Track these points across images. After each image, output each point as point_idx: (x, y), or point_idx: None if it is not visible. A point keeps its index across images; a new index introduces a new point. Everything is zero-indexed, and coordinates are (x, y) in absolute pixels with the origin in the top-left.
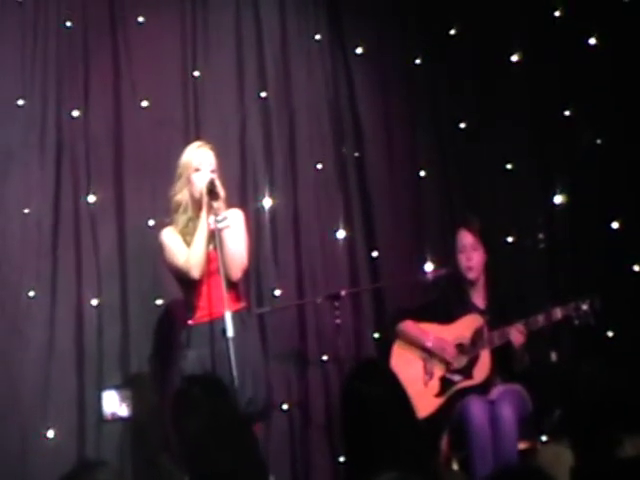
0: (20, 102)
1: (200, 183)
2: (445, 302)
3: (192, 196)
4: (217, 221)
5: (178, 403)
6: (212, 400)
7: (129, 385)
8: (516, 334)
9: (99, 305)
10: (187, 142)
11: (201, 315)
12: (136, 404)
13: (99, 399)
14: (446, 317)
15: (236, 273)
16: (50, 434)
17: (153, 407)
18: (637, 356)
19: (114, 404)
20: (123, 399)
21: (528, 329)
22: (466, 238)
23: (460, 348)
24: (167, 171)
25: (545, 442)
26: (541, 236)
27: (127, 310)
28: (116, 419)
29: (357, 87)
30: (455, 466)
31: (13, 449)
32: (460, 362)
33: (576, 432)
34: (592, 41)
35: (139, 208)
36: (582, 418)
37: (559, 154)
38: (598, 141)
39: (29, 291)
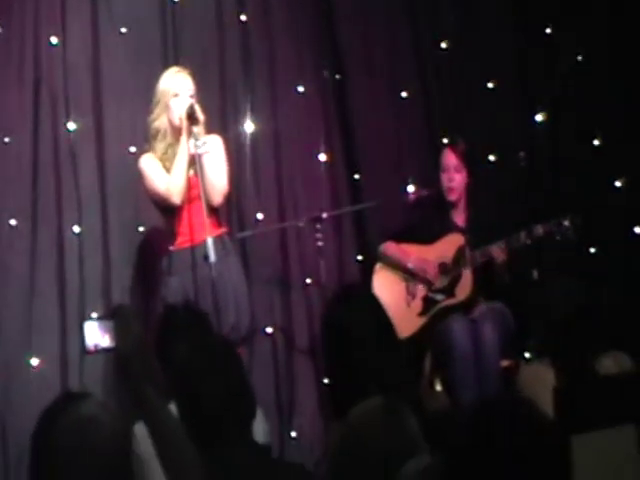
0: None
1: (179, 109)
2: (427, 223)
3: (171, 122)
4: (197, 146)
5: (161, 331)
6: (195, 326)
7: (111, 316)
8: (498, 251)
9: (80, 233)
10: (166, 67)
11: (182, 241)
12: (118, 335)
13: (81, 329)
14: (428, 238)
15: (217, 198)
16: (34, 362)
17: (136, 337)
18: (619, 272)
19: (96, 335)
20: (105, 330)
21: (510, 247)
22: (449, 159)
23: (442, 267)
24: (146, 97)
25: (528, 360)
26: (522, 154)
27: (108, 238)
28: (99, 351)
29: (337, 9)
30: (438, 387)
31: None
32: (442, 281)
33: (556, 350)
34: None
35: (119, 135)
36: (561, 336)
37: (540, 71)
38: (579, 58)
39: (10, 220)
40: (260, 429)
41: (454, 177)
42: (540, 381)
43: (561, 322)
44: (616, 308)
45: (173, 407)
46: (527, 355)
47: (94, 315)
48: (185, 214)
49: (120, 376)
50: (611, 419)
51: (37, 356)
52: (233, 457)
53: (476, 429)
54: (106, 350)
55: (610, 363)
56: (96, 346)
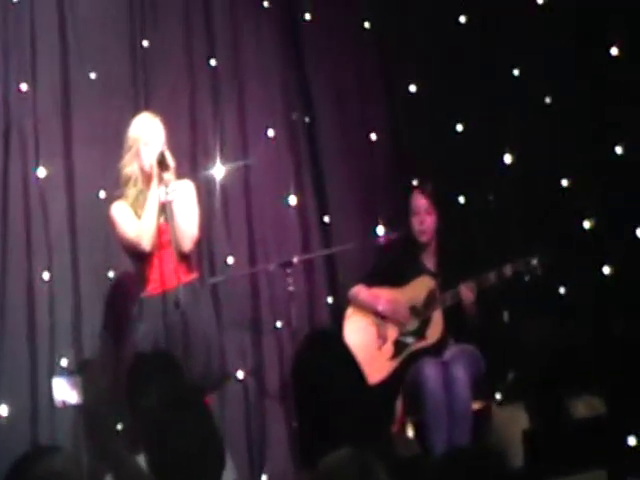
0: None
1: (149, 156)
2: (397, 265)
3: (142, 169)
4: (167, 193)
5: (131, 380)
6: (164, 375)
7: (79, 371)
8: (466, 291)
9: (50, 279)
10: (137, 112)
11: (153, 287)
12: (87, 390)
13: (51, 376)
14: (398, 280)
15: (187, 245)
16: (3, 411)
17: (105, 391)
18: (588, 312)
19: (64, 391)
20: (73, 386)
21: (479, 287)
22: (420, 201)
23: (413, 310)
24: (117, 142)
25: (500, 402)
26: (491, 196)
27: (79, 283)
28: (67, 406)
29: (306, 53)
30: (410, 432)
31: None
32: (413, 324)
33: (528, 394)
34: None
35: (89, 180)
36: (533, 379)
37: (509, 114)
38: (547, 100)
39: None
40: (230, 478)
41: (425, 219)
42: (513, 424)
43: (533, 364)
44: (586, 350)
45: (142, 458)
46: (498, 397)
47: (64, 362)
48: (156, 260)
49: (87, 431)
50: (582, 464)
51: (7, 404)
52: None
53: None
54: (74, 406)
55: (583, 407)
56: (64, 402)
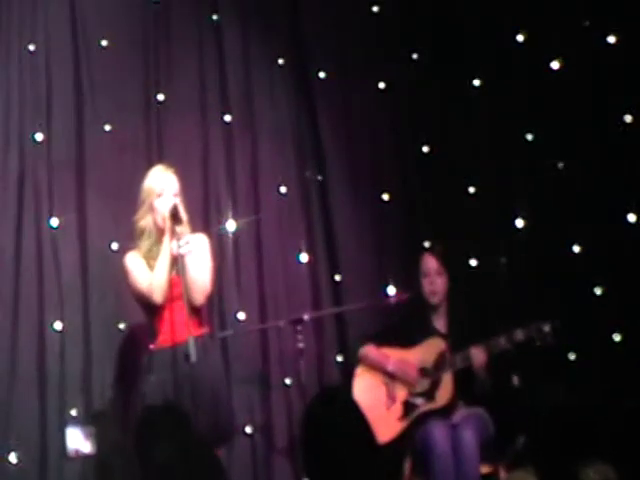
0: None
1: (163, 209)
2: (407, 326)
3: (155, 222)
4: (179, 246)
5: (140, 435)
6: (174, 429)
7: (92, 421)
8: (477, 355)
9: (62, 329)
10: (150, 165)
11: (163, 340)
12: (99, 440)
13: (61, 425)
14: (408, 341)
15: (198, 298)
16: (13, 459)
17: (116, 443)
18: (598, 379)
19: (78, 441)
20: (87, 436)
21: (490, 351)
22: (430, 263)
23: (423, 371)
24: (130, 194)
25: (509, 467)
26: (503, 259)
27: (90, 334)
28: (80, 456)
29: (320, 111)
30: None
31: None
32: (422, 385)
33: (538, 459)
34: (555, 65)
35: (102, 231)
36: (543, 445)
37: (521, 178)
38: (560, 165)
39: None
40: None
41: (436, 280)
42: None
43: (543, 429)
44: (597, 416)
45: None
46: (507, 461)
47: (73, 412)
48: (167, 313)
49: None
50: None
51: (16, 452)
52: None
53: None
54: (87, 456)
55: (593, 474)
56: (77, 452)
